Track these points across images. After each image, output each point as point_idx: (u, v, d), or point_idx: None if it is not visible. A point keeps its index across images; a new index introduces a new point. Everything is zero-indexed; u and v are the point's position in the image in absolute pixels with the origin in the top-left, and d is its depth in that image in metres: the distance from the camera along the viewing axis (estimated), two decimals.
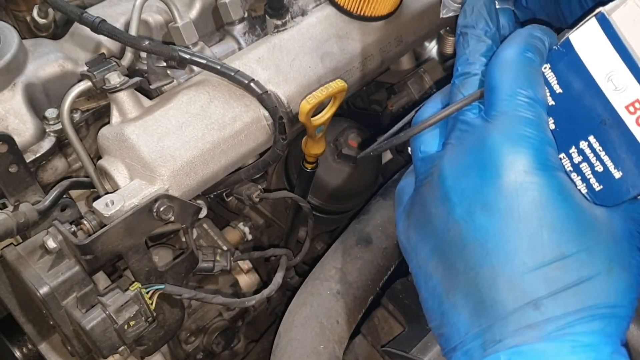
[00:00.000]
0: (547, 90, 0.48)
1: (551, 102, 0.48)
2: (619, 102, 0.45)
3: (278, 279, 0.84)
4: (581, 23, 0.46)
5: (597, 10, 0.45)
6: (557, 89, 0.48)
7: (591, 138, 0.46)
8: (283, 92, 0.78)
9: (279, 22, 0.82)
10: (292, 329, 0.79)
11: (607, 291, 0.43)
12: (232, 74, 0.71)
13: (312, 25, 0.83)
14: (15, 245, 0.69)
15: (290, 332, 0.79)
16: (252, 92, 0.72)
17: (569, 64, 0.47)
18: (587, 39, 0.46)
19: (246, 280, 0.99)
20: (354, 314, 0.82)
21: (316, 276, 0.84)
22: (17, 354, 0.94)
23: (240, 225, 1.03)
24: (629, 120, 0.44)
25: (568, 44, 0.47)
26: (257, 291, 0.92)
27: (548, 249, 0.43)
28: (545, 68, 0.49)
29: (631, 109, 0.44)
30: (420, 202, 0.52)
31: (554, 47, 0.49)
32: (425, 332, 0.79)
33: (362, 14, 0.84)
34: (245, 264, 0.98)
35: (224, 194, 0.90)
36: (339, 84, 0.72)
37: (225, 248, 0.93)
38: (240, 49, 0.85)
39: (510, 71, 0.47)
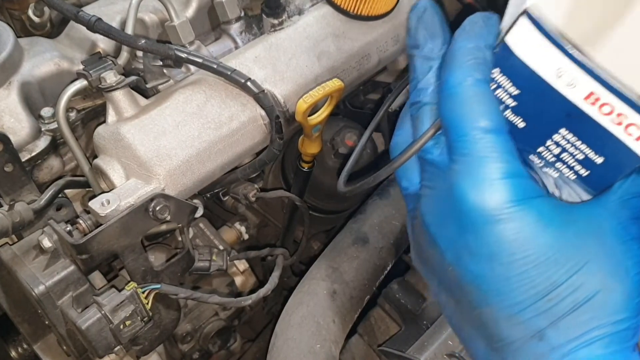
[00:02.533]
0: (505, 93, 0.46)
1: (513, 103, 0.46)
2: (576, 97, 0.43)
3: (274, 278, 0.84)
4: (514, 20, 0.43)
5: (523, 6, 0.42)
6: (514, 91, 0.46)
7: (562, 130, 0.45)
8: (280, 91, 0.78)
9: (275, 21, 0.82)
10: (288, 328, 0.79)
11: (606, 309, 0.43)
12: (229, 73, 0.71)
13: (308, 24, 0.83)
14: (11, 245, 0.69)
15: (287, 332, 0.79)
16: (249, 91, 0.72)
17: (514, 67, 0.45)
18: (522, 40, 0.43)
19: (242, 279, 0.99)
20: (350, 314, 0.82)
21: (313, 275, 0.84)
22: (12, 353, 0.94)
23: (237, 224, 1.03)
24: (592, 111, 0.43)
25: (506, 48, 0.44)
26: (253, 291, 0.92)
27: (538, 284, 0.44)
28: (494, 73, 0.46)
29: (590, 100, 0.42)
30: (416, 239, 0.53)
31: (495, 50, 0.46)
32: (421, 332, 0.79)
33: (359, 13, 0.84)
34: (242, 264, 0.98)
35: (221, 194, 0.90)
36: (335, 84, 0.72)
37: (221, 247, 0.93)
38: (236, 48, 0.85)
39: (461, 105, 0.45)
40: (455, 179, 0.45)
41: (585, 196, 0.48)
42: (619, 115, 0.42)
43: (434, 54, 0.50)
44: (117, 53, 0.81)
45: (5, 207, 0.69)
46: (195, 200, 0.73)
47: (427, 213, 0.49)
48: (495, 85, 0.47)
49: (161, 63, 0.77)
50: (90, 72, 0.69)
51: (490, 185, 0.44)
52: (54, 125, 0.75)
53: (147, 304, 0.67)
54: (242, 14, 0.85)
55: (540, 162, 0.49)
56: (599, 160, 0.45)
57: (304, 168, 0.86)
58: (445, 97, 0.47)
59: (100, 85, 0.69)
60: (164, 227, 0.72)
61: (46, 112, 0.76)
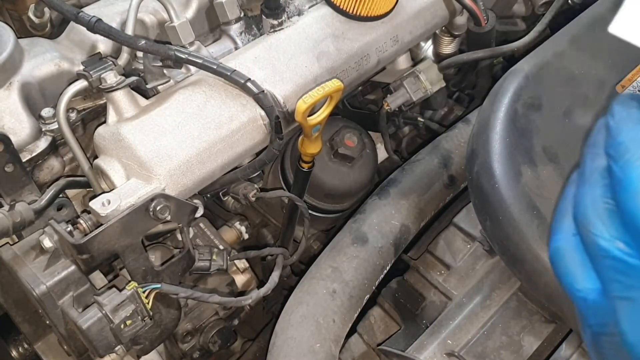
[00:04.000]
0: None
1: None
2: None
3: (274, 277, 0.84)
4: None
5: None
6: None
7: None
8: (279, 91, 0.78)
9: (275, 22, 0.82)
10: (288, 327, 0.79)
11: None
12: (229, 73, 0.71)
13: (308, 25, 0.83)
14: (11, 245, 0.69)
15: (287, 331, 0.79)
16: (249, 92, 0.72)
17: None
18: None
19: (242, 279, 0.99)
20: (350, 313, 0.82)
21: (312, 275, 0.84)
22: (13, 353, 0.94)
23: (237, 224, 1.04)
24: None
25: None
26: (253, 290, 0.92)
27: None
28: None
29: None
30: (608, 358, 0.45)
31: None
32: (421, 331, 0.79)
33: (358, 13, 0.84)
34: (242, 263, 0.98)
35: (221, 193, 0.90)
36: (335, 84, 0.72)
37: (221, 247, 0.93)
38: (236, 48, 0.85)
39: None
40: None
41: None
42: None
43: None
44: (117, 54, 0.81)
45: (6, 207, 0.69)
46: (196, 200, 0.74)
47: (631, 332, 0.41)
48: None
49: (161, 64, 0.77)
50: (91, 72, 0.69)
51: None
52: (54, 126, 0.75)
53: (148, 303, 0.68)
54: (242, 15, 0.85)
55: None
56: None
57: (303, 168, 0.86)
58: None
59: (100, 86, 0.69)
60: (163, 227, 0.73)
61: (47, 112, 0.76)
